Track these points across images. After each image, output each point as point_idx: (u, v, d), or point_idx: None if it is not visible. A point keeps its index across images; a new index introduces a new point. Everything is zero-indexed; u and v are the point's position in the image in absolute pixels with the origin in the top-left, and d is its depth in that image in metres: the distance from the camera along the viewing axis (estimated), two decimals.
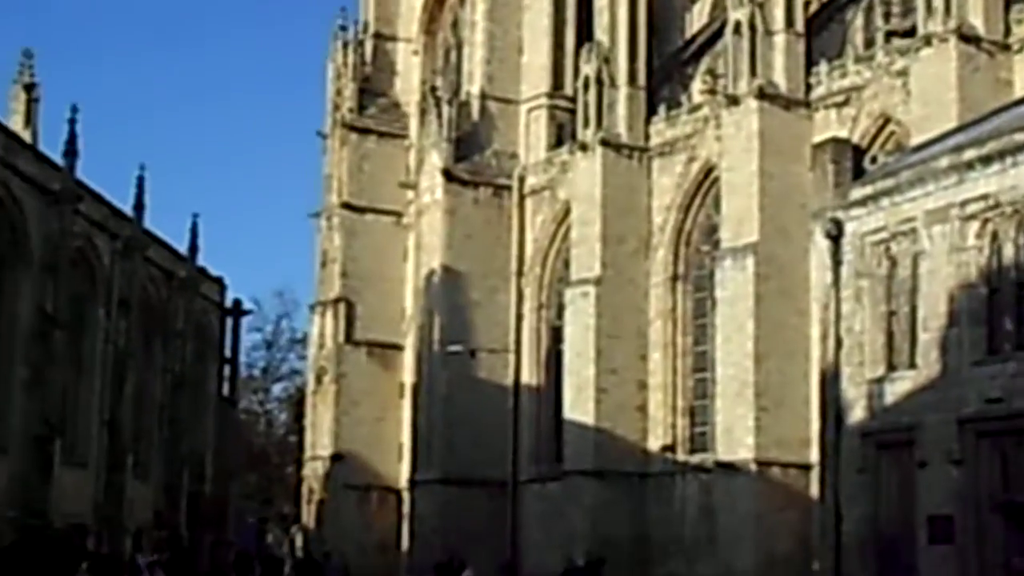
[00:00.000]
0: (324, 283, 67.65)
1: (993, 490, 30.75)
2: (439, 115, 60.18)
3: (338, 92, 68.21)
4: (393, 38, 69.52)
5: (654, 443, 52.62)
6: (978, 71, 42.65)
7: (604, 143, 53.82)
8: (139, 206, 48.40)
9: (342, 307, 65.87)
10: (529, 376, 59.00)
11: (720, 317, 48.51)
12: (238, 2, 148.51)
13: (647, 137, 54.49)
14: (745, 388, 46.42)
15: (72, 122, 42.76)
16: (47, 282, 40.76)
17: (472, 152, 60.67)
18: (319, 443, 66.22)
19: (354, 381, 65.33)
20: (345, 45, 68.27)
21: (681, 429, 52.49)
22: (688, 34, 60.33)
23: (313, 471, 66.72)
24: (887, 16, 49.59)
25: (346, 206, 66.61)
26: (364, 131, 67.61)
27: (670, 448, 52.36)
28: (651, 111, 54.89)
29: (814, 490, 39.48)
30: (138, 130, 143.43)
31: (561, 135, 59.80)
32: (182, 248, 54.38)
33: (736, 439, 46.63)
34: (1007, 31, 43.28)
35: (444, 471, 57.61)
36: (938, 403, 31.62)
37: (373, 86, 68.75)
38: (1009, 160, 30.48)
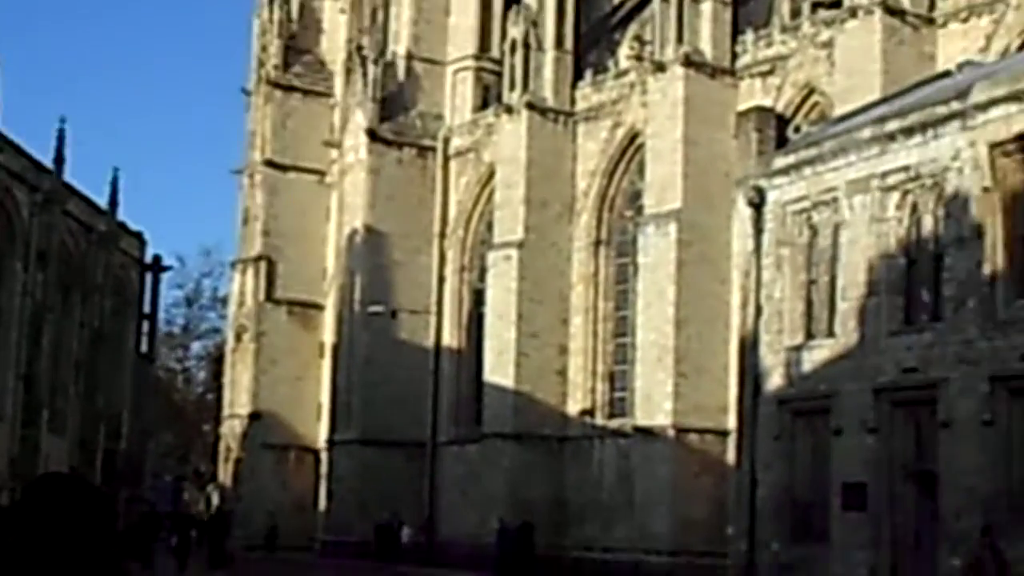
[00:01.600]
0: (246, 241, 67.37)
1: (906, 459, 31.17)
2: (364, 74, 59.93)
3: (263, 49, 67.78)
4: None
5: (573, 407, 52.81)
6: (902, 44, 42.93)
7: (530, 106, 53.78)
8: (59, 159, 47.93)
9: (263, 265, 65.64)
10: (450, 338, 59.04)
11: (642, 283, 48.70)
12: None
13: (573, 102, 54.51)
14: (665, 354, 46.66)
15: None
16: None
17: (397, 112, 60.50)
18: (237, 401, 66.03)
19: (274, 340, 65.18)
20: (271, 1, 67.72)
21: (600, 394, 52.72)
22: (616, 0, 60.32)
23: (231, 429, 66.55)
24: None
25: (269, 163, 66.31)
26: (289, 88, 67.26)
27: (589, 412, 52.56)
28: (578, 76, 54.89)
29: (730, 456, 39.81)
30: (60, 83, 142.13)
31: (487, 97, 59.72)
32: (102, 202, 53.87)
33: (655, 405, 46.87)
34: (932, 5, 43.60)
35: (363, 432, 57.61)
36: (855, 372, 31.98)
37: (299, 43, 68.37)
38: (930, 132, 30.77)
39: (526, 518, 47.10)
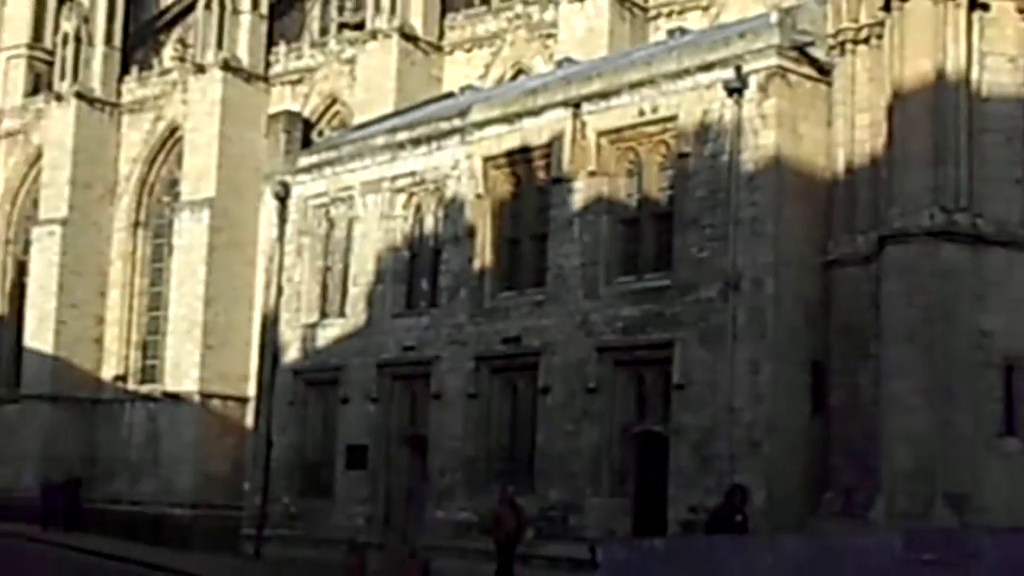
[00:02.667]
0: None
1: (402, 425, 31.90)
2: None
3: None
4: None
5: (108, 373, 51.50)
6: (414, 66, 43.93)
7: (79, 95, 52.03)
8: None
9: None
10: None
11: (176, 262, 48.02)
12: None
13: (119, 94, 53.08)
14: (194, 327, 46.18)
15: None
16: None
17: None
18: None
19: None
20: None
21: (133, 361, 51.61)
22: (164, 4, 58.97)
23: None
24: (341, 9, 50.14)
25: None
26: None
27: (122, 378, 51.41)
28: (124, 70, 53.49)
29: (250, 420, 39.67)
30: None
31: (38, 84, 57.22)
32: None
33: (183, 372, 46.33)
34: (441, 35, 44.78)
35: None
36: (361, 348, 32.48)
37: None
38: (434, 144, 31.57)
39: (59, 474, 45.59)
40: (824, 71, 25.08)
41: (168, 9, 57.51)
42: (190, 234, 46.99)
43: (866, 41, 24.29)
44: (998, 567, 15.10)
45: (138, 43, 55.51)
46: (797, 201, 24.75)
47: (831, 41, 24.94)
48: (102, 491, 48.61)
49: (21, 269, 55.19)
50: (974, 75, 22.70)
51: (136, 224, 52.13)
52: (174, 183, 50.59)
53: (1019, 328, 22.16)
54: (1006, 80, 22.77)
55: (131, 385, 51.12)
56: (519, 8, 43.40)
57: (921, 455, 21.74)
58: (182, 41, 53.97)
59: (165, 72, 52.65)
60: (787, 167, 24.69)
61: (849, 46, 24.56)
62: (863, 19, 24.29)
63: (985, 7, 22.71)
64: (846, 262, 24.18)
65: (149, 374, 50.77)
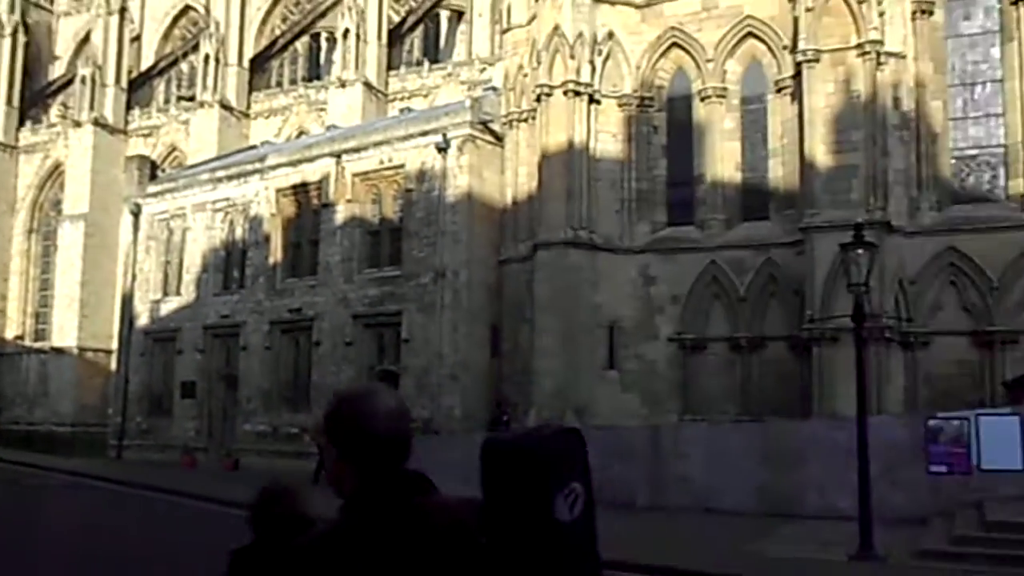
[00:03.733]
0: None
1: (220, 367, 30.70)
2: None
3: None
4: None
5: (10, 333, 47.78)
6: (230, 127, 42.41)
7: None
8: None
9: None
10: None
11: (60, 258, 44.94)
12: None
13: (18, 140, 49.17)
14: (73, 302, 43.32)
15: None
16: None
17: None
18: None
19: None
20: None
21: (29, 326, 48.05)
22: (52, 77, 54.92)
23: None
24: (179, 86, 47.93)
25: None
26: None
27: (20, 337, 47.78)
28: (21, 123, 49.58)
29: (113, 365, 37.55)
30: None
31: None
32: None
33: (65, 333, 43.42)
34: (249, 106, 43.35)
35: None
36: (192, 316, 31.15)
37: None
38: (243, 179, 30.54)
39: None
40: (499, 138, 25.39)
41: (54, 81, 53.66)
42: (70, 237, 44.04)
43: (526, 120, 24.69)
44: (602, 449, 15.87)
45: (31, 104, 51.55)
46: (482, 221, 25.01)
47: (504, 119, 25.26)
48: (6, 417, 45.22)
49: None
50: (591, 144, 23.40)
51: (30, 231, 48.50)
52: (58, 202, 47.28)
53: (617, 302, 23.02)
54: (610, 148, 23.57)
55: (27, 342, 47.59)
56: (302, 90, 42.42)
57: (557, 383, 22.33)
58: (64, 104, 50.40)
59: (52, 125, 49.07)
60: (475, 199, 24.91)
61: (515, 123, 24.92)
62: (524, 106, 24.69)
63: (598, 102, 23.45)
64: (512, 260, 24.58)
65: (41, 334, 47.35)
